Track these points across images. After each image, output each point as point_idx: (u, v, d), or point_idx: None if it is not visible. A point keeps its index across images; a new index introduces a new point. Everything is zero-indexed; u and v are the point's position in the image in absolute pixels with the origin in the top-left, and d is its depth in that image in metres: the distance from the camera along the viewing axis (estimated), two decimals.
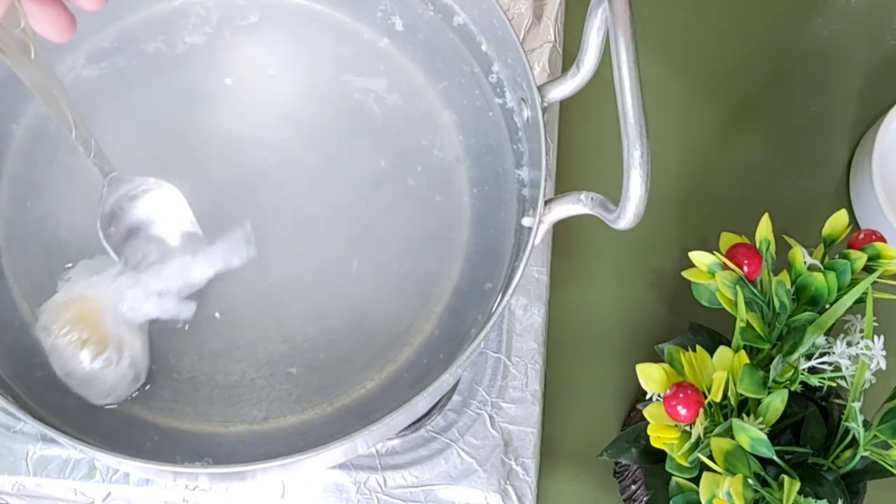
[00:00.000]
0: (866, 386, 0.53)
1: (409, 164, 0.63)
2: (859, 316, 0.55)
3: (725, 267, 0.56)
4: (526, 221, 0.59)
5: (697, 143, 0.75)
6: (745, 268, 0.55)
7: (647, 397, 0.55)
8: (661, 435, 0.53)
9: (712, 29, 0.78)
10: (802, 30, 0.78)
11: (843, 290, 0.55)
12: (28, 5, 0.46)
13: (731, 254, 0.56)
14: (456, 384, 0.65)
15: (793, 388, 0.53)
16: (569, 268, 0.71)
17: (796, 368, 0.53)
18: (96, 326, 0.56)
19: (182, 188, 0.60)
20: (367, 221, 0.62)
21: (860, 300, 0.54)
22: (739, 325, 0.54)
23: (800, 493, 0.50)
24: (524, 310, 0.67)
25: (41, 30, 0.47)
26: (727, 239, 0.57)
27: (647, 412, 0.53)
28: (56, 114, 0.53)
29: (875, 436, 0.52)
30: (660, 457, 0.55)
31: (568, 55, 0.74)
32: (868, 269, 0.55)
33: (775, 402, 0.51)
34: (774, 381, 0.53)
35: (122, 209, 0.59)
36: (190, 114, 0.64)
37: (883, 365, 0.52)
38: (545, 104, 0.56)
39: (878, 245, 0.56)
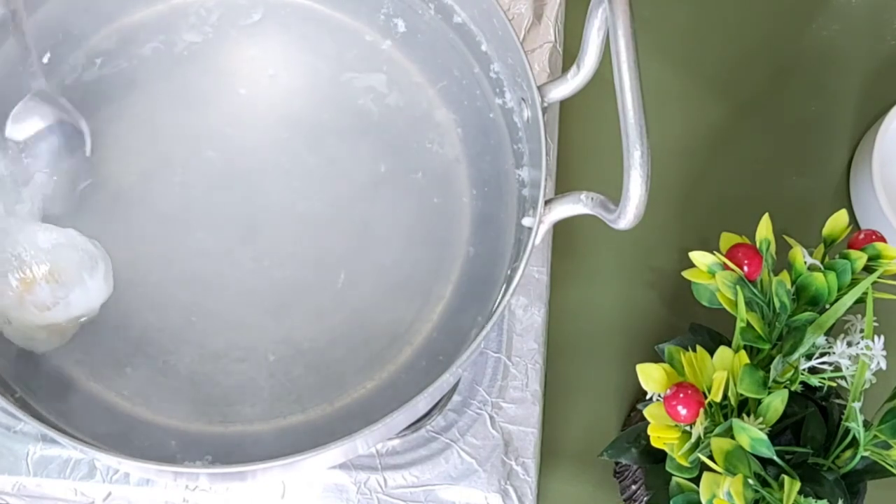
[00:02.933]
0: (866, 386, 0.53)
1: (409, 164, 0.63)
2: (859, 316, 0.55)
3: (725, 267, 0.56)
4: (526, 221, 0.59)
5: (697, 143, 0.75)
6: (746, 268, 0.55)
7: (648, 397, 0.55)
8: (661, 435, 0.53)
9: (712, 29, 0.78)
10: (803, 30, 0.78)
11: (843, 290, 0.55)
12: None
13: (732, 254, 0.56)
14: (456, 384, 0.65)
15: (793, 388, 0.53)
16: (569, 268, 0.71)
17: (796, 368, 0.53)
18: None
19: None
20: (367, 221, 0.62)
21: (860, 300, 0.54)
22: (739, 325, 0.54)
23: (800, 493, 0.49)
24: (524, 310, 0.67)
25: None
26: (727, 239, 0.57)
27: (648, 412, 0.53)
28: None
29: (875, 436, 0.52)
30: (660, 457, 0.55)
31: (568, 55, 0.73)
32: (868, 269, 0.55)
33: (775, 402, 0.51)
34: (774, 381, 0.53)
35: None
36: (190, 113, 0.64)
37: (883, 365, 0.52)
38: (545, 104, 0.56)
39: (879, 245, 0.56)
